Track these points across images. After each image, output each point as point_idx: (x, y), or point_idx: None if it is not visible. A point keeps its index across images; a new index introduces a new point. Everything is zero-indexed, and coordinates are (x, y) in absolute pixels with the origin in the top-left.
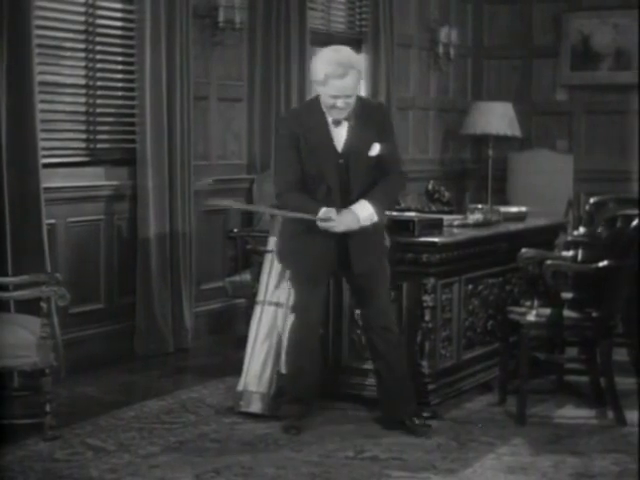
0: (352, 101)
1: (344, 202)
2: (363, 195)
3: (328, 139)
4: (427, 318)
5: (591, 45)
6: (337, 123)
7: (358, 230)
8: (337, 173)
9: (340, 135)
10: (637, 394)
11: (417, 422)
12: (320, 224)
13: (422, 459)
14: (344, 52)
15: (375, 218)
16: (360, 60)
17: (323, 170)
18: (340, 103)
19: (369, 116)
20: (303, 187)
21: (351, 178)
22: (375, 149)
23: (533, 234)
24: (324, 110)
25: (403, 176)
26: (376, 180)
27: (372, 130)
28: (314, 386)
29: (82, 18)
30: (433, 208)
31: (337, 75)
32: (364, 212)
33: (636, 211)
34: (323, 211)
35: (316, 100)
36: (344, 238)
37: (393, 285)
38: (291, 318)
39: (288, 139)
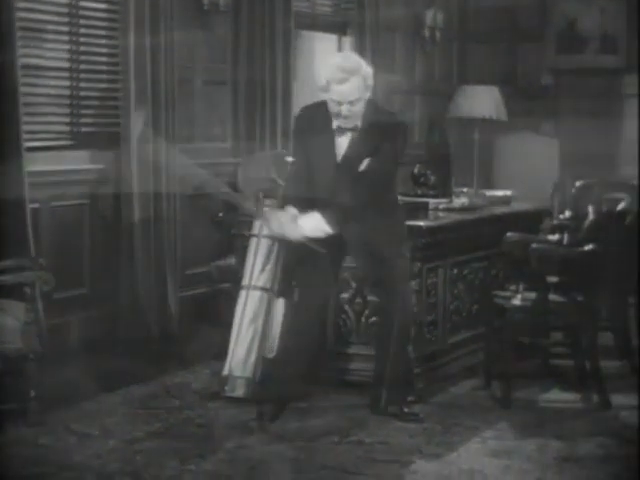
0: (358, 109)
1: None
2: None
3: (330, 147)
4: (413, 302)
5: (577, 29)
6: (341, 132)
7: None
8: (332, 183)
9: (341, 146)
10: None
11: (406, 410)
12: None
13: (407, 443)
14: (349, 58)
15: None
16: (368, 69)
17: (321, 177)
18: (344, 110)
19: (379, 134)
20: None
21: (342, 191)
22: (363, 165)
23: (518, 218)
24: (331, 116)
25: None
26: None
27: (372, 148)
28: (305, 370)
29: (65, 0)
30: (419, 192)
31: (338, 80)
32: (310, 224)
33: (621, 195)
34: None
35: (325, 104)
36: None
37: None
38: (294, 305)
39: (299, 139)
